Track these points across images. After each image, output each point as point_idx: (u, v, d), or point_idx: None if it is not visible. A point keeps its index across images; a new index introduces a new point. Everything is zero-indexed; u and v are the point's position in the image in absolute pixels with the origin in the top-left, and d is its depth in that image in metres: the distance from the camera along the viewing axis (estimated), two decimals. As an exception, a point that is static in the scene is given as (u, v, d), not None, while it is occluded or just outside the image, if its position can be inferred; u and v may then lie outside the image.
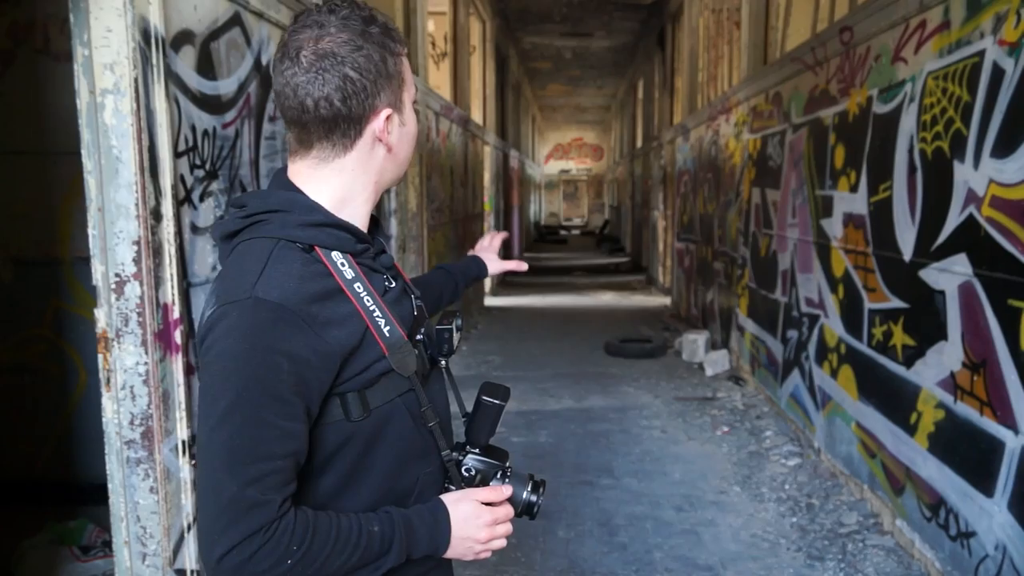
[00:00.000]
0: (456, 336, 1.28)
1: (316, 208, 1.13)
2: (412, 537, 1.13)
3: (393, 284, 1.22)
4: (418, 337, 1.22)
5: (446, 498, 1.20)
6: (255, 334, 1.02)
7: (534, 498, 1.27)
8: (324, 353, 1.06)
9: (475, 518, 1.19)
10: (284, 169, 1.20)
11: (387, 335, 1.12)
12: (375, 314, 1.12)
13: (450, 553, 1.19)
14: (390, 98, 1.15)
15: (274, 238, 1.10)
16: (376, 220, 1.29)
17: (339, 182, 1.16)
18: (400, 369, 1.14)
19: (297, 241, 1.10)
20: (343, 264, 1.12)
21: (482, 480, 1.25)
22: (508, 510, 1.24)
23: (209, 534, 1.00)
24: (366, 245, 1.18)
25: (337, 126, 1.12)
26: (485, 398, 1.24)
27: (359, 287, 1.12)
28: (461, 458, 1.25)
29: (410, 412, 1.17)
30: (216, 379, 1.03)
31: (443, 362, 1.28)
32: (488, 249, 1.95)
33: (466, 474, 1.24)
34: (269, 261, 1.07)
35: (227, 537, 0.98)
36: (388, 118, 1.15)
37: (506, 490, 1.24)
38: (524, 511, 1.27)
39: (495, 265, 1.92)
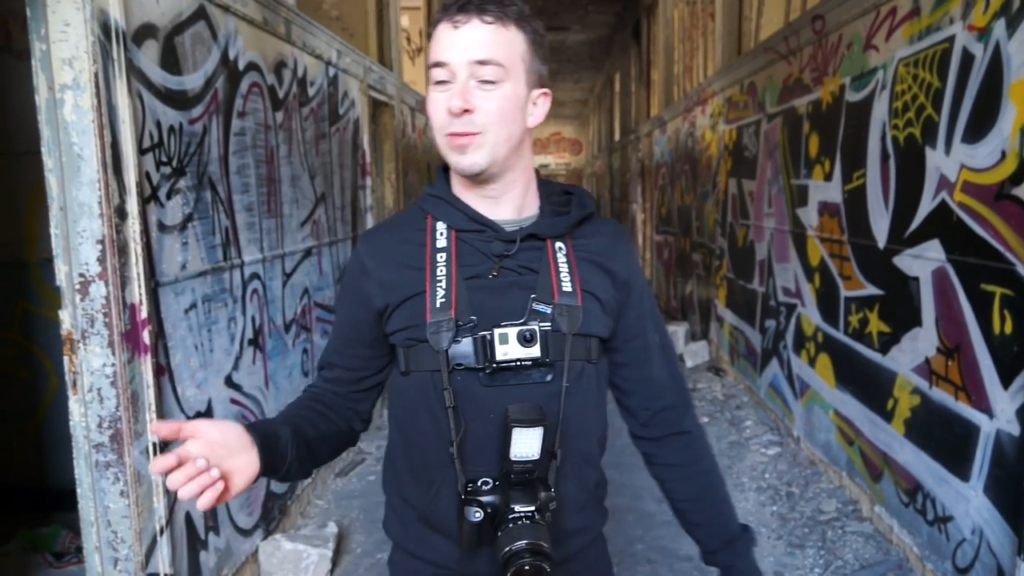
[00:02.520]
0: (512, 346, 1.11)
1: (441, 185, 1.25)
2: None
3: (497, 275, 1.18)
4: (487, 335, 1.13)
5: None
6: (348, 264, 1.38)
7: (508, 566, 1.06)
8: (369, 292, 1.22)
9: None
10: None
11: (437, 305, 1.15)
12: (440, 283, 1.16)
13: None
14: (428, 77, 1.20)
15: (414, 203, 1.28)
16: (562, 209, 1.24)
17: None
18: (432, 342, 1.14)
19: (422, 207, 1.25)
20: (442, 234, 1.21)
21: (493, 513, 1.10)
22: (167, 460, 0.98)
23: None
24: (478, 227, 1.20)
25: None
26: (509, 408, 1.10)
27: (442, 257, 1.19)
28: (489, 474, 1.13)
29: (436, 391, 1.16)
30: None
31: (488, 368, 1.14)
32: None
33: (470, 487, 1.12)
34: (391, 217, 1.32)
35: None
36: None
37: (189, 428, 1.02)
38: (502, 565, 1.08)
39: None
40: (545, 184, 1.28)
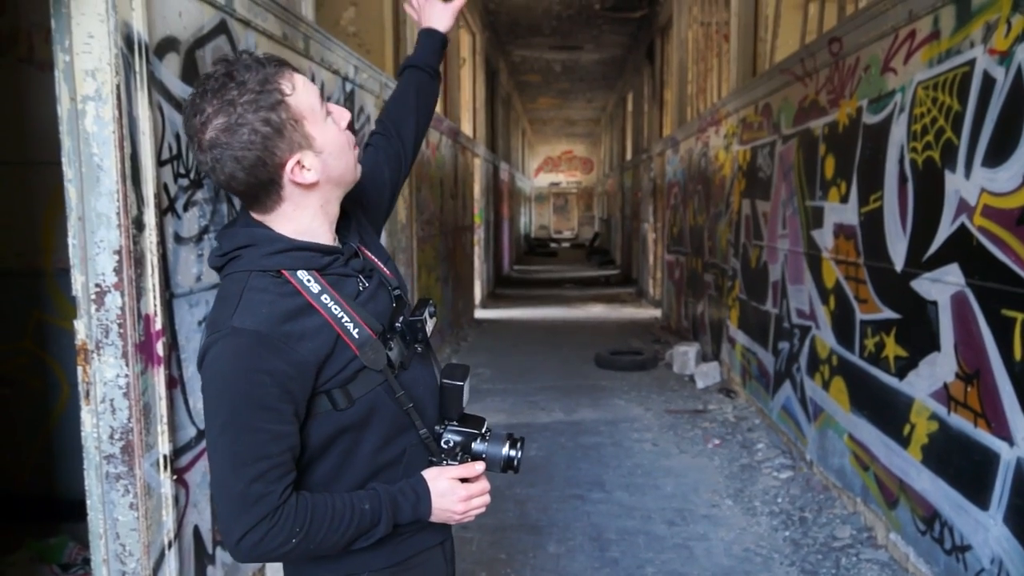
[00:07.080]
0: (430, 323, 1.37)
1: (277, 239, 1.26)
2: (397, 511, 1.30)
3: (367, 283, 1.33)
4: (396, 326, 1.31)
5: (427, 474, 1.34)
6: (238, 359, 1.17)
7: (512, 453, 1.37)
8: (300, 364, 1.20)
9: (451, 493, 1.33)
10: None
11: (356, 337, 1.24)
12: (343, 320, 1.24)
13: (434, 519, 1.35)
14: (291, 145, 1.21)
15: (246, 271, 1.24)
16: (347, 215, 1.39)
17: (290, 225, 1.27)
18: (371, 365, 1.26)
19: (265, 270, 1.24)
20: (309, 280, 1.25)
21: (463, 449, 1.36)
22: (482, 485, 1.37)
23: (226, 523, 1.20)
24: (333, 256, 1.29)
25: (256, 194, 1.24)
26: (445, 381, 1.37)
27: (326, 299, 1.24)
28: (441, 431, 1.37)
29: (391, 397, 1.31)
30: (213, 397, 1.20)
31: (418, 347, 1.36)
32: (428, 3, 1.74)
33: (445, 446, 1.36)
34: (244, 292, 1.22)
35: (240, 525, 1.18)
36: (298, 163, 1.22)
37: (478, 466, 1.36)
38: (506, 466, 1.37)
39: (445, 18, 1.72)
40: None
